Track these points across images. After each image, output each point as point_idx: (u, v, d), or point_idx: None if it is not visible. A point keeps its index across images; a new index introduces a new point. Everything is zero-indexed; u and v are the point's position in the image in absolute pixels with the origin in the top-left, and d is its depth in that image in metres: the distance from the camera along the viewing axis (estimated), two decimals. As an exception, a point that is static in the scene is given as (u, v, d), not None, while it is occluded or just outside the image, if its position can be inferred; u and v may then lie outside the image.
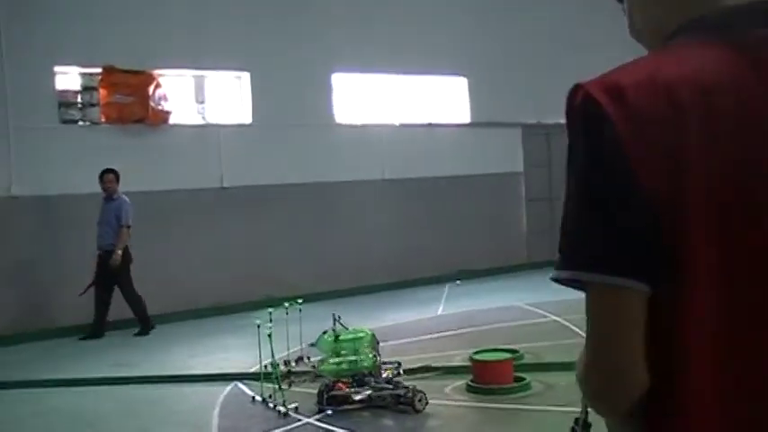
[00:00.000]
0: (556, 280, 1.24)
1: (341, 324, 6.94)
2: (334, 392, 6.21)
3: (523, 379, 6.78)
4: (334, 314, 6.99)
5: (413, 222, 13.48)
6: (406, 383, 6.37)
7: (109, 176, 10.32)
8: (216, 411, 6.54)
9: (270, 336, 6.47)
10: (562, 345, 8.18)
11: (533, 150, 15.34)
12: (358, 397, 6.25)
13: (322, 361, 6.70)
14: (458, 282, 13.32)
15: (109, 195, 10.34)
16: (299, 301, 7.88)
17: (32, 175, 10.39)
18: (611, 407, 1.22)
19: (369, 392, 6.26)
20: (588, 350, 1.20)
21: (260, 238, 12.10)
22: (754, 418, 1.15)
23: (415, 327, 9.85)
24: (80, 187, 10.42)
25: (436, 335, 9.33)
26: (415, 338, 9.11)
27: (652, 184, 1.12)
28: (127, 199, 10.33)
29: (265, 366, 6.98)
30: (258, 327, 6.78)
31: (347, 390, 6.27)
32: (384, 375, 6.57)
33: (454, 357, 7.87)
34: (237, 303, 11.33)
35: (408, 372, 7.06)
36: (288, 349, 7.67)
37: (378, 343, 6.69)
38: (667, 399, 1.16)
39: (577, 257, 1.20)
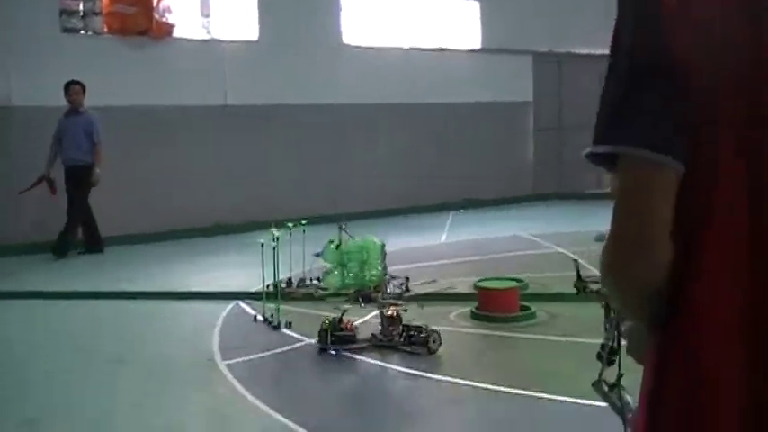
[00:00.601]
0: (591, 155, 1.23)
1: (346, 233, 6.41)
2: (338, 332, 5.68)
3: (528, 308, 6.68)
4: (339, 223, 6.52)
5: (418, 148, 13.28)
6: (418, 323, 5.74)
7: (75, 88, 9.94)
8: (216, 329, 6.45)
9: (275, 252, 6.35)
10: (567, 276, 8.00)
11: (544, 79, 15.01)
12: (363, 336, 5.81)
13: (326, 273, 6.17)
14: (461, 210, 13.20)
15: (74, 108, 9.99)
16: (303, 222, 7.73)
17: (32, 86, 10.12)
18: (634, 280, 1.21)
19: (378, 332, 5.78)
20: (617, 224, 1.21)
21: (263, 158, 11.92)
22: None
23: (420, 253, 9.74)
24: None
25: (441, 261, 9.23)
26: (419, 264, 9.00)
27: (692, 60, 1.15)
28: (94, 114, 10.03)
29: (267, 286, 6.88)
30: (262, 246, 6.66)
31: (352, 328, 5.78)
32: (390, 291, 6.06)
33: (459, 284, 7.76)
34: (239, 224, 11.20)
35: (415, 300, 6.50)
36: (291, 270, 7.55)
37: (385, 254, 6.10)
38: (691, 265, 1.17)
39: (618, 131, 1.20)
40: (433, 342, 5.56)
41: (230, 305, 7.18)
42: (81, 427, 4.56)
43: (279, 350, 5.83)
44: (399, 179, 12.94)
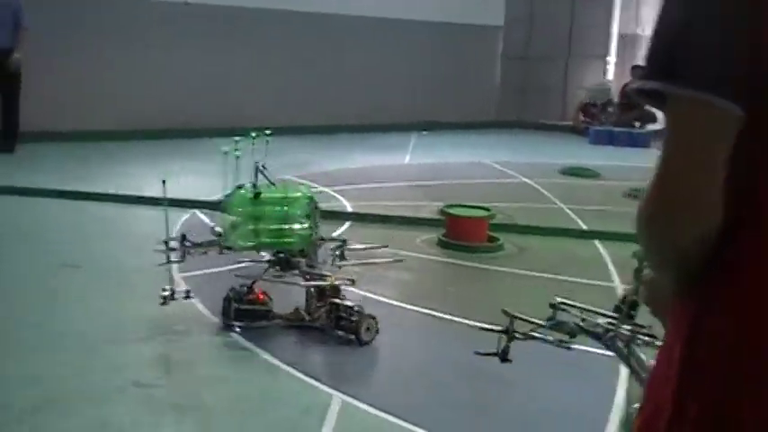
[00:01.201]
0: (638, 90, 1.13)
1: (265, 177, 4.96)
2: (245, 306, 4.45)
3: (497, 239, 6.54)
4: (256, 163, 5.09)
5: (384, 66, 12.92)
6: (351, 303, 4.40)
7: None
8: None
9: (237, 159, 6.02)
10: (534, 208, 7.98)
11: (517, 5, 14.67)
12: (280, 312, 4.55)
13: (233, 227, 4.56)
14: (424, 132, 12.97)
15: None
16: (268, 132, 7.40)
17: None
18: (677, 231, 1.11)
19: (302, 307, 4.53)
20: (664, 168, 1.10)
21: (224, 63, 11.43)
22: None
23: (383, 173, 9.53)
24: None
25: (405, 183, 9.03)
26: (383, 184, 8.80)
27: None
28: None
29: (223, 198, 6.58)
30: (225, 154, 6.34)
31: (264, 300, 4.51)
32: (321, 261, 4.66)
33: (423, 209, 7.58)
34: (198, 129, 10.81)
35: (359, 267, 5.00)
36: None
37: (317, 209, 4.70)
38: (747, 216, 1.09)
39: (671, 67, 1.08)
40: (367, 330, 4.30)
41: (187, 214, 6.89)
42: (28, 331, 4.31)
43: (234, 266, 5.58)
44: (364, 96, 12.59)
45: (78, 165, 8.84)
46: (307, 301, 4.57)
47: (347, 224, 7.00)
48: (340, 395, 3.69)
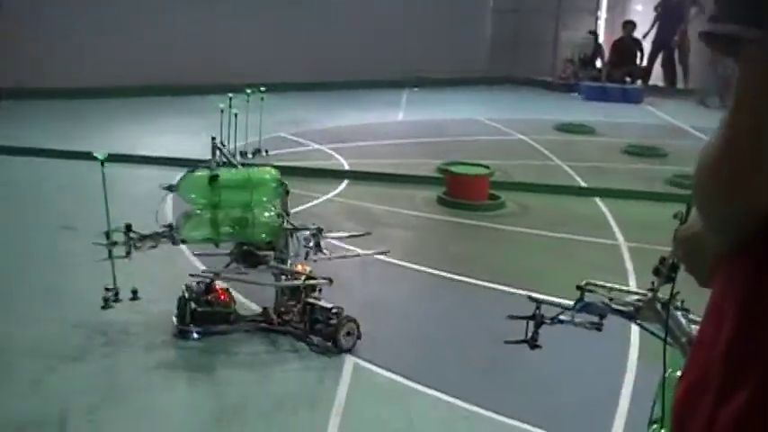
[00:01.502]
0: (708, 34, 0.98)
1: (224, 155, 4.42)
2: (204, 308, 3.80)
3: (498, 197, 6.48)
4: (213, 138, 4.58)
5: (376, 21, 12.67)
6: (329, 304, 3.80)
7: None
8: (170, 197, 6.04)
9: (236, 118, 5.91)
10: (532, 165, 7.90)
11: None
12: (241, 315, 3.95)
13: (187, 217, 3.86)
14: (415, 88, 12.82)
15: None
16: (262, 89, 7.28)
17: None
18: (743, 192, 0.99)
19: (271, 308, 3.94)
20: (734, 122, 0.97)
21: (217, 19, 11.18)
22: None
23: (378, 130, 9.41)
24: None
25: (399, 141, 8.92)
26: (378, 142, 8.69)
27: None
28: None
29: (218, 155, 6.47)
30: (222, 112, 6.24)
31: (227, 299, 3.89)
32: (293, 254, 3.96)
33: (420, 167, 7.48)
34: (191, 85, 10.61)
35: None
36: (246, 139, 7.15)
37: (287, 193, 4.01)
38: None
39: (747, 7, 0.94)
40: (347, 335, 3.72)
41: (182, 172, 6.75)
42: (34, 293, 4.22)
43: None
44: (357, 51, 12.34)
45: (69, 123, 8.67)
46: (276, 300, 3.94)
47: (345, 183, 6.92)
48: (353, 358, 3.64)
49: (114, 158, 7.11)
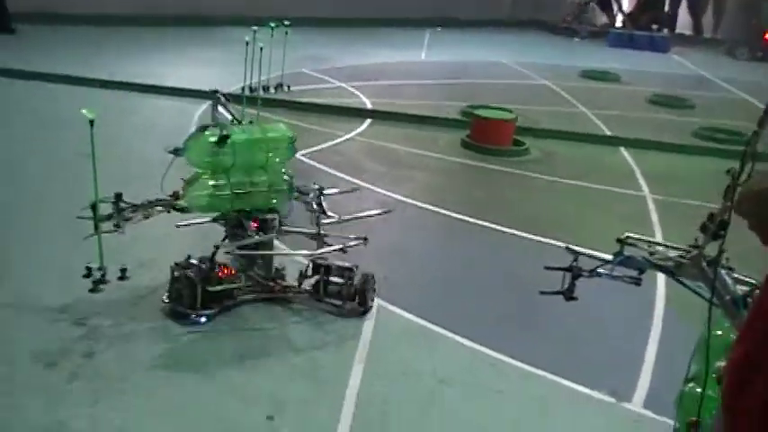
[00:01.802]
0: None
1: (230, 114, 3.88)
2: (211, 287, 3.36)
3: (522, 143, 6.38)
4: (216, 92, 4.04)
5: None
6: (347, 264, 3.55)
7: None
8: (192, 129, 5.99)
9: (261, 51, 5.79)
10: (557, 112, 7.77)
11: None
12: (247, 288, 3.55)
13: (191, 181, 3.39)
14: (438, 28, 12.59)
15: None
16: (287, 23, 7.14)
17: None
18: None
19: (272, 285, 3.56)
20: None
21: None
22: None
23: (401, 69, 9.26)
24: None
25: (422, 81, 8.78)
26: (401, 81, 8.56)
27: None
28: None
29: (242, 89, 6.38)
30: (247, 45, 6.11)
31: (231, 277, 3.48)
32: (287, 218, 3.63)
33: (443, 108, 7.37)
34: (213, 16, 10.44)
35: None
36: (269, 74, 7.03)
37: (295, 153, 3.62)
38: None
39: None
40: (371, 291, 3.51)
41: (205, 105, 6.67)
42: (51, 216, 4.19)
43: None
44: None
45: (92, 50, 8.53)
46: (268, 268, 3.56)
47: (367, 122, 6.83)
48: (377, 299, 3.61)
49: (138, 88, 7.10)
